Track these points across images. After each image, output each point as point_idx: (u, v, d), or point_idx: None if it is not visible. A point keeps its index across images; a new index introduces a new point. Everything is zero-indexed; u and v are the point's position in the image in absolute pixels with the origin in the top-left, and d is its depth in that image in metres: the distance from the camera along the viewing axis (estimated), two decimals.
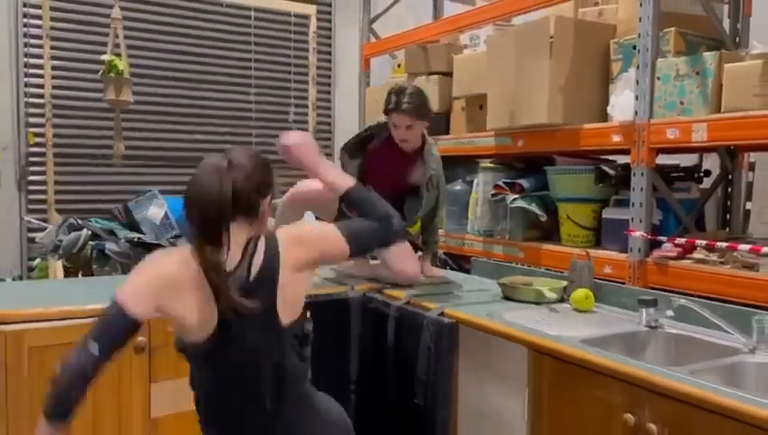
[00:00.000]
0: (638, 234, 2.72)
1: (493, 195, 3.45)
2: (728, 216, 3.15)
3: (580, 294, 2.23)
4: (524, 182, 3.33)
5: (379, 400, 2.44)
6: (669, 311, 2.06)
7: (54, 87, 5.47)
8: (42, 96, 5.84)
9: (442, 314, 2.19)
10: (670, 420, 1.49)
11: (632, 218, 2.74)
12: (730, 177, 3.16)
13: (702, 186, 3.11)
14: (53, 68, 5.45)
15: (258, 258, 1.43)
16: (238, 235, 1.44)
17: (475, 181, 3.65)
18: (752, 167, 3.12)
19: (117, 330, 1.38)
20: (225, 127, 6.26)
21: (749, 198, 3.04)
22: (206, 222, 1.38)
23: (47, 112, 5.60)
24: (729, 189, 3.18)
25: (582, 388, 1.72)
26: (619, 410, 1.59)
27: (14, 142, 5.89)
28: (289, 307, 1.46)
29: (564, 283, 2.51)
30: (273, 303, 1.44)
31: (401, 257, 2.52)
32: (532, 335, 1.89)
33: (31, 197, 5.74)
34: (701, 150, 3.10)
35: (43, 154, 5.95)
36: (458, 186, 3.80)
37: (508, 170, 3.51)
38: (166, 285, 1.39)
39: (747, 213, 3.07)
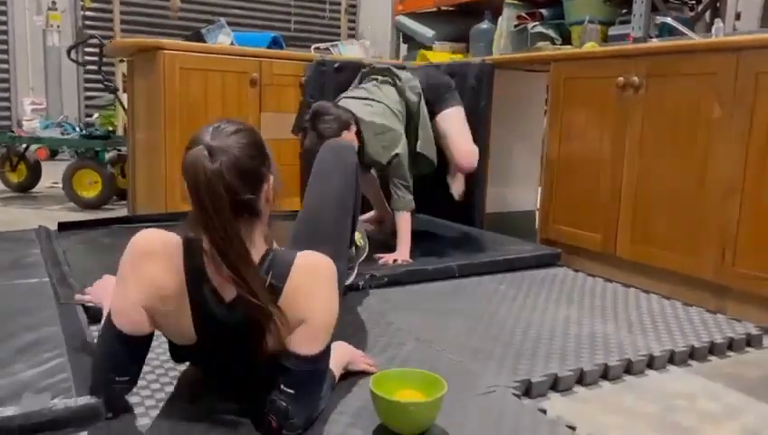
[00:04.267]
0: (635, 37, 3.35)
1: (515, 25, 4.06)
2: None
3: (588, 45, 2.91)
4: (544, 11, 3.93)
5: None
6: None
7: None
8: None
9: (483, 60, 2.88)
10: (645, 70, 2.21)
11: (633, 28, 3.36)
12: (718, 5, 3.76)
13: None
14: None
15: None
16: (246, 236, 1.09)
17: (500, 18, 4.25)
18: None
19: (132, 353, 1.13)
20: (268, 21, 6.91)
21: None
22: (207, 217, 1.04)
23: None
24: (716, 18, 3.78)
25: (589, 73, 2.45)
26: (612, 79, 2.30)
27: (71, 6, 6.45)
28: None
29: None
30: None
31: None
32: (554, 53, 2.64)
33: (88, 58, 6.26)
34: None
35: (98, 18, 6.53)
36: (484, 25, 4.40)
37: (530, 6, 4.10)
38: (154, 297, 1.11)
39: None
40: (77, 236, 2.43)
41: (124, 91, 4.50)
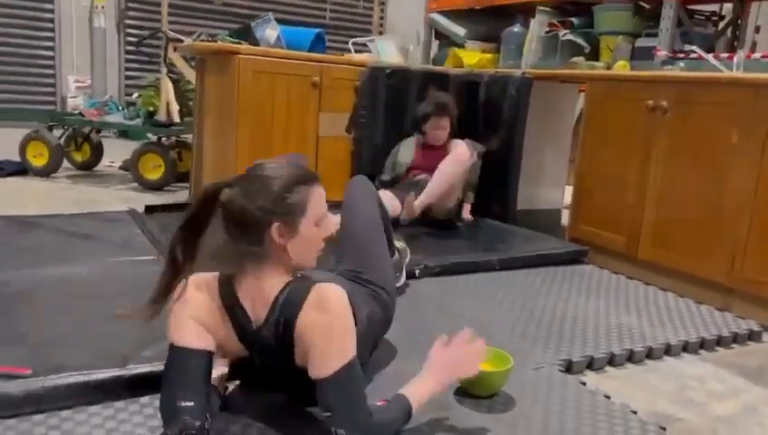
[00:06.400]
0: (662, 53, 3.63)
1: (547, 31, 4.33)
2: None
3: (620, 63, 3.20)
4: (574, 20, 4.20)
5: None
6: None
7: None
8: None
9: (524, 73, 3.17)
10: (674, 96, 2.52)
11: (660, 42, 3.64)
12: (739, 21, 4.02)
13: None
14: None
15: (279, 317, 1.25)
16: (256, 270, 1.27)
17: (531, 23, 4.52)
18: None
19: (194, 370, 1.24)
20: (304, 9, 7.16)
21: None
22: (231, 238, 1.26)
23: None
24: (737, 32, 4.05)
25: (622, 94, 2.77)
26: (642, 101, 2.60)
27: None
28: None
29: None
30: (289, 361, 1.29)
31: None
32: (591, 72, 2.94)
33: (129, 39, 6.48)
34: None
35: (141, 1, 6.78)
36: (516, 28, 4.67)
37: (561, 13, 4.37)
38: (206, 315, 1.28)
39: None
40: (164, 219, 2.75)
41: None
